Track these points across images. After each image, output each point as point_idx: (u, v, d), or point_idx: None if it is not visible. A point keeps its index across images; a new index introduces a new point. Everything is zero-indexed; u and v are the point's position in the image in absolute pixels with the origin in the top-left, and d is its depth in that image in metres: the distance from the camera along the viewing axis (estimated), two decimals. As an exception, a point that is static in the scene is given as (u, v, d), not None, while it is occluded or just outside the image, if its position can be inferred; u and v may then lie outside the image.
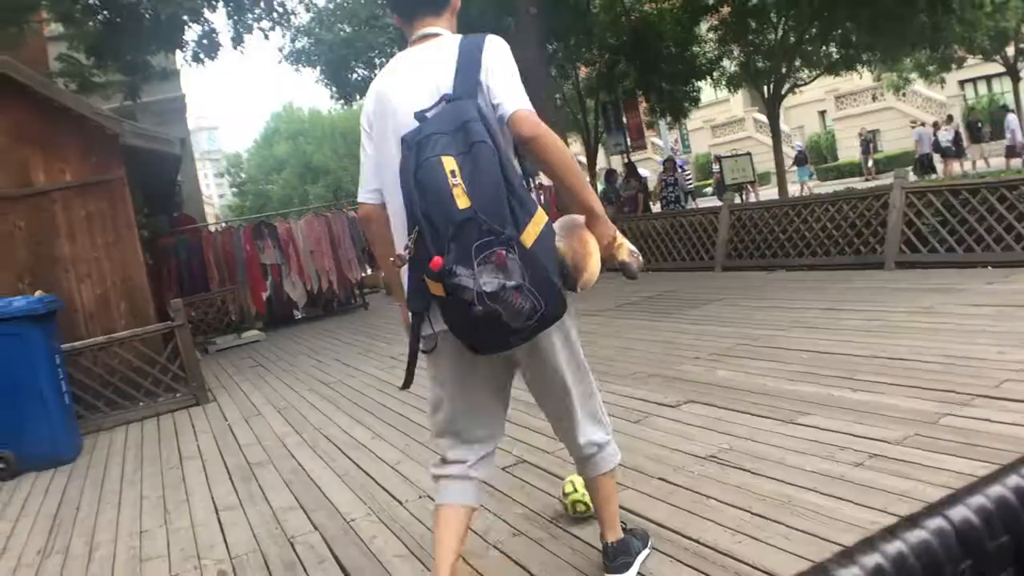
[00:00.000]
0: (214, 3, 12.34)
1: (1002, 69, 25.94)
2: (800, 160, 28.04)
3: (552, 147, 2.43)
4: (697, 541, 3.03)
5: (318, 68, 16.13)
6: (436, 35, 2.69)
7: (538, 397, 2.91)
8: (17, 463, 6.39)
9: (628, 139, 22.17)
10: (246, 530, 4.16)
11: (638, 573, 2.88)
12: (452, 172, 2.24)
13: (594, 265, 2.58)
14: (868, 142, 29.97)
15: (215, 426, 6.96)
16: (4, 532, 4.95)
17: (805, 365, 5.26)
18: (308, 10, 14.23)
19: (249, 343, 12.84)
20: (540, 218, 2.39)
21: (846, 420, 4.03)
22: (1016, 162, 21.94)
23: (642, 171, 20.85)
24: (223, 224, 18.78)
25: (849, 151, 35.80)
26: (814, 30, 16.95)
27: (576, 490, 3.46)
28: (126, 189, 8.92)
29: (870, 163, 29.40)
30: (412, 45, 2.73)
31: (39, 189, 8.50)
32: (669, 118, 22.24)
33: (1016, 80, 25.23)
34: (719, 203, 12.82)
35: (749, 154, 20.23)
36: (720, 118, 43.81)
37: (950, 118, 25.50)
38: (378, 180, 2.68)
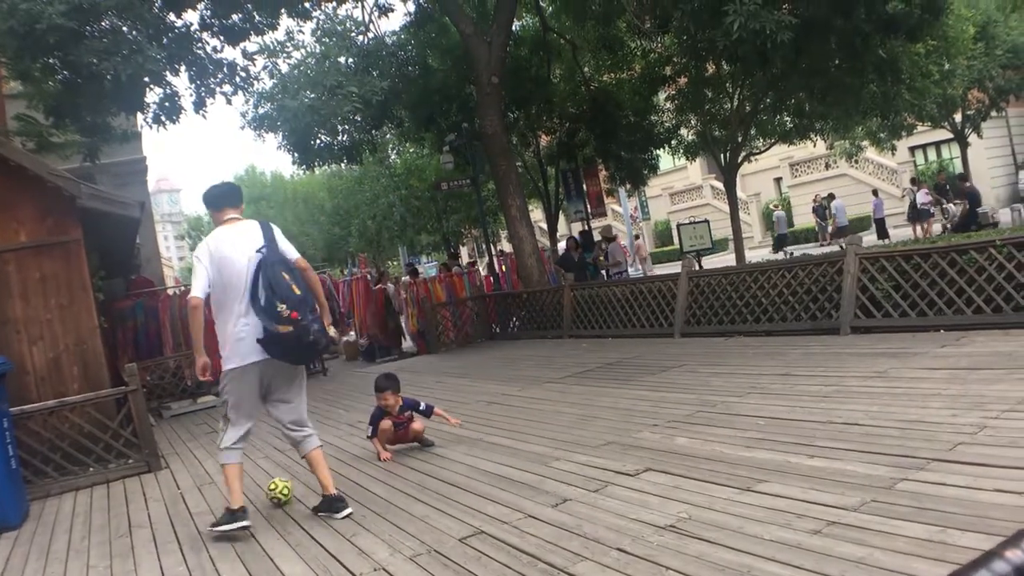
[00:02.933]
0: (176, 66, 12.36)
1: (950, 135, 26.68)
2: None
3: (311, 271, 5.31)
4: (655, 612, 3.00)
5: (280, 134, 16.15)
6: (237, 219, 5.34)
7: (284, 399, 5.29)
8: (-41, 529, 6.19)
9: (588, 206, 22.41)
10: (195, 603, 4.05)
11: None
12: (286, 278, 4.94)
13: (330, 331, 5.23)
14: (824, 208, 30.48)
15: (167, 494, 6.81)
16: (-58, 605, 4.78)
17: (762, 432, 5.27)
18: (272, 76, 14.28)
19: (204, 408, 12.62)
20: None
21: (803, 487, 4.04)
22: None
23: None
24: (182, 287, 18.60)
25: (805, 217, 36.39)
26: (769, 100, 17.34)
27: (277, 486, 5.70)
28: (82, 251, 8.81)
29: (829, 229, 29.78)
30: (225, 224, 5.28)
31: (-8, 249, 8.37)
32: (628, 185, 22.54)
33: (964, 146, 25.97)
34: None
35: (707, 221, 20.45)
36: (678, 185, 44.47)
37: (914, 181, 26.34)
38: (210, 286, 5.05)
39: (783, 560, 3.23)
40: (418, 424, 6.81)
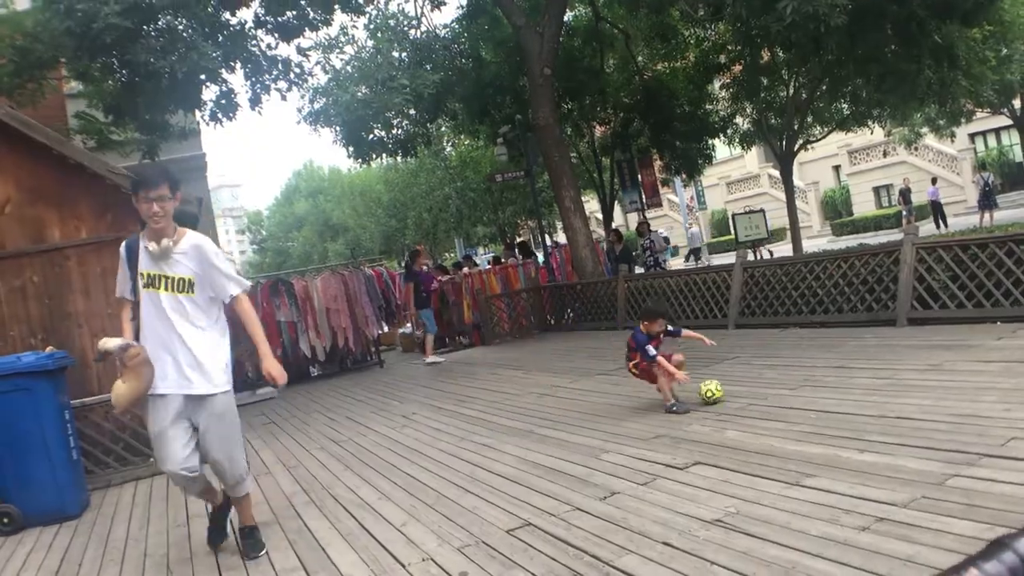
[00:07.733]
0: (232, 64, 12.55)
1: (1009, 122, 26.00)
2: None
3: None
4: (698, 607, 2.99)
5: (336, 128, 16.33)
6: None
7: None
8: (22, 518, 6.39)
9: (643, 196, 22.27)
10: (248, 592, 4.13)
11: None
12: None
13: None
14: (910, 191, 28.94)
15: (224, 485, 6.94)
16: (8, 592, 4.94)
17: (813, 425, 5.22)
18: (325, 72, 14.45)
19: (263, 400, 12.83)
20: None
21: (852, 482, 3.99)
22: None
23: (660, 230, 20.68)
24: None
25: (864, 206, 35.83)
26: (824, 87, 17.09)
27: (709, 386, 6.38)
28: (141, 247, 8.98)
29: (913, 213, 28.20)
30: None
31: (54, 245, 8.56)
32: (684, 175, 22.38)
33: (1024, 132, 25.31)
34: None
35: (763, 211, 20.26)
36: (735, 174, 44.04)
37: (984, 167, 25.74)
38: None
39: (830, 557, 3.21)
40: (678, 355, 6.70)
